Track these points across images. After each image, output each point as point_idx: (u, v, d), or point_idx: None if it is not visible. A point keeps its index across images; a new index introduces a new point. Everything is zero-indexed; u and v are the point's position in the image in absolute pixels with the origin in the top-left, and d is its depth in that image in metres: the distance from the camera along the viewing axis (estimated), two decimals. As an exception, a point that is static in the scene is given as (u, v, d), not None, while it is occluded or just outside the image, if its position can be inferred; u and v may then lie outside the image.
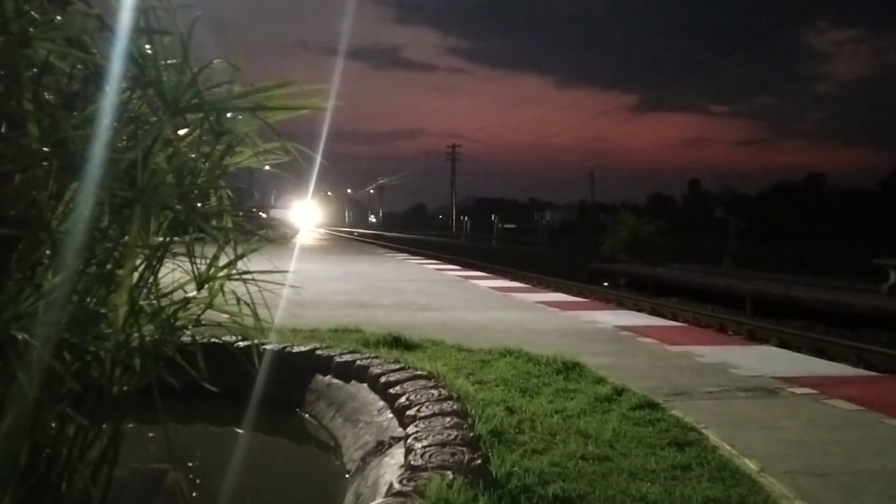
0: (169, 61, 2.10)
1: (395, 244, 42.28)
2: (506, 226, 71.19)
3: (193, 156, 2.26)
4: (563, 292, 14.97)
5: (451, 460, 2.68)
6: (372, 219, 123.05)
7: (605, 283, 23.44)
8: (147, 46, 2.04)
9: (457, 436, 2.96)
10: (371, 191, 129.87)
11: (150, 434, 3.49)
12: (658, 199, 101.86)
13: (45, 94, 2.04)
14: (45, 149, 1.92)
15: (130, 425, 2.54)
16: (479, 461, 2.72)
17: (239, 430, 4.00)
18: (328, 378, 4.63)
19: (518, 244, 53.81)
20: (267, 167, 2.49)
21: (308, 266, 14.46)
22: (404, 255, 23.49)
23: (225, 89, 2.18)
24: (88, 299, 2.07)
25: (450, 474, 2.53)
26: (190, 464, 3.45)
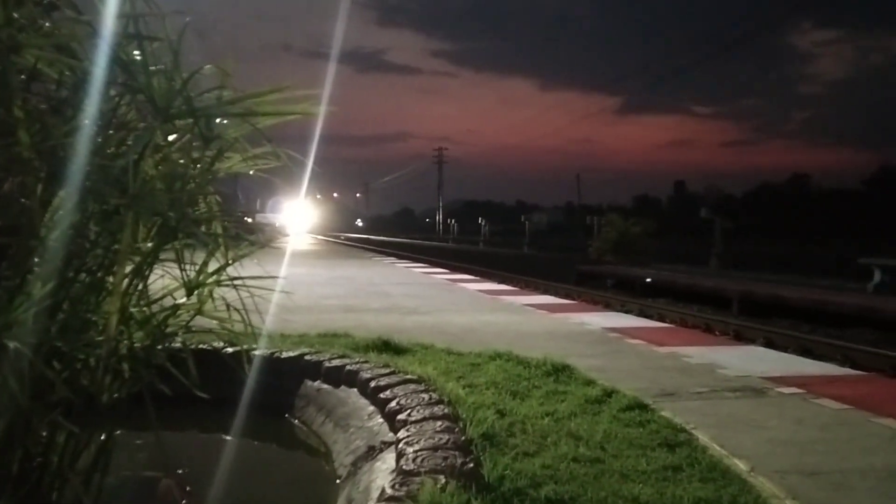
0: (156, 67, 2.09)
1: (383, 248, 42.21)
2: (491, 229, 71.50)
3: (183, 161, 2.26)
4: (550, 294, 15.02)
5: (443, 464, 2.69)
6: (359, 222, 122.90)
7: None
8: (136, 52, 2.04)
9: (448, 439, 2.97)
10: (358, 194, 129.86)
11: (139, 441, 3.47)
12: (644, 200, 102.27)
13: (34, 100, 2.03)
14: (34, 156, 1.91)
15: (119, 432, 2.52)
16: (472, 465, 2.72)
17: (229, 437, 3.98)
18: (317, 383, 4.61)
19: (506, 247, 53.81)
20: (252, 172, 2.49)
21: (296, 270, 14.41)
22: (392, 259, 23.46)
23: (215, 95, 2.18)
24: (79, 307, 2.06)
25: (442, 478, 2.54)
26: (181, 471, 3.43)
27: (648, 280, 21.62)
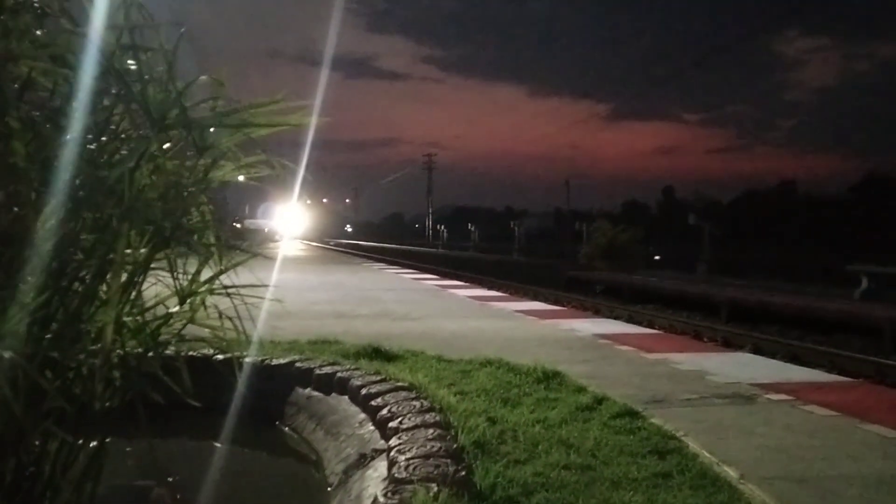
0: (150, 76, 2.09)
1: (372, 254, 42.20)
2: (480, 234, 71.97)
3: (177, 171, 2.26)
4: (540, 301, 15.06)
5: (435, 472, 2.69)
6: (349, 228, 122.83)
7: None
8: (131, 62, 2.04)
9: (440, 447, 2.97)
10: (347, 200, 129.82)
11: (129, 449, 3.46)
12: (633, 206, 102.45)
13: (29, 110, 2.03)
14: (28, 165, 1.91)
15: (108, 440, 2.51)
16: (463, 472, 2.73)
17: (219, 445, 3.98)
18: (308, 391, 4.61)
19: (495, 252, 53.88)
20: (241, 178, 2.49)
21: (286, 276, 14.38)
22: (381, 265, 23.46)
23: (209, 105, 2.18)
24: (73, 316, 2.06)
25: (434, 486, 2.54)
26: (171, 479, 3.43)
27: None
